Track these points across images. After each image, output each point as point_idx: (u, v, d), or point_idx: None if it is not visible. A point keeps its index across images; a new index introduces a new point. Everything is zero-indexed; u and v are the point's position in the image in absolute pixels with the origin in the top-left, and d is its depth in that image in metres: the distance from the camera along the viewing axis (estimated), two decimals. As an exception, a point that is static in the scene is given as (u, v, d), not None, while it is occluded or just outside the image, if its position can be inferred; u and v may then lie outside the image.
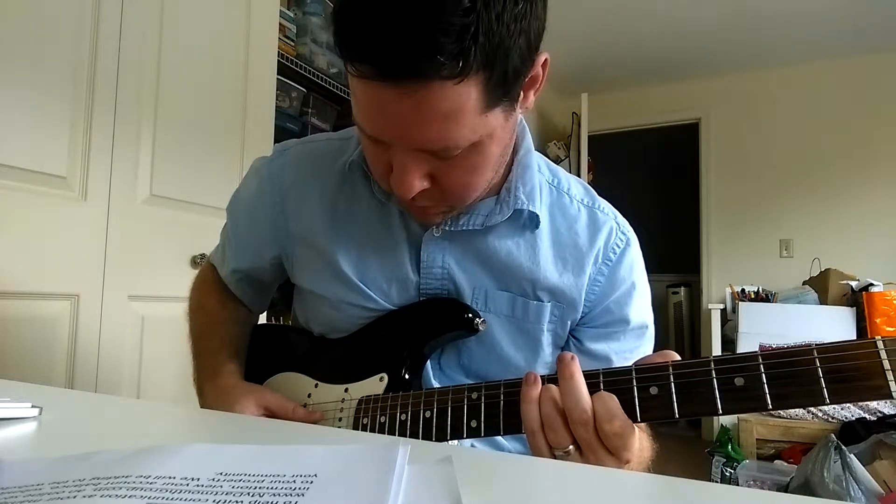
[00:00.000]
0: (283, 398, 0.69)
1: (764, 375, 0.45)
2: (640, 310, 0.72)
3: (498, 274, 0.68)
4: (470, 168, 0.55)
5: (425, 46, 0.44)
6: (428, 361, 0.69)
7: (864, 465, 2.01)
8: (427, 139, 0.50)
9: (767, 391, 0.45)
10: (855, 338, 2.80)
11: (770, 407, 0.45)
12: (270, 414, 0.68)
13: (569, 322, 0.70)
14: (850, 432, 2.39)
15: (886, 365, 0.41)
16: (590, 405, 0.48)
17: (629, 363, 0.54)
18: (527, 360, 0.69)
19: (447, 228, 0.66)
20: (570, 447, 0.49)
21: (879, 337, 0.43)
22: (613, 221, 0.72)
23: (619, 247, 0.71)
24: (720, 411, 0.46)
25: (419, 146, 0.51)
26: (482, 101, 0.49)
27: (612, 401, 0.48)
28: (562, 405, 0.49)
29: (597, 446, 0.49)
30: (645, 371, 0.50)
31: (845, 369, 0.43)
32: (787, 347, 0.46)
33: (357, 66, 0.47)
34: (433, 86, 0.46)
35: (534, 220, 0.67)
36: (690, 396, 0.48)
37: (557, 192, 0.72)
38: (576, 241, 0.69)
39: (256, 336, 0.84)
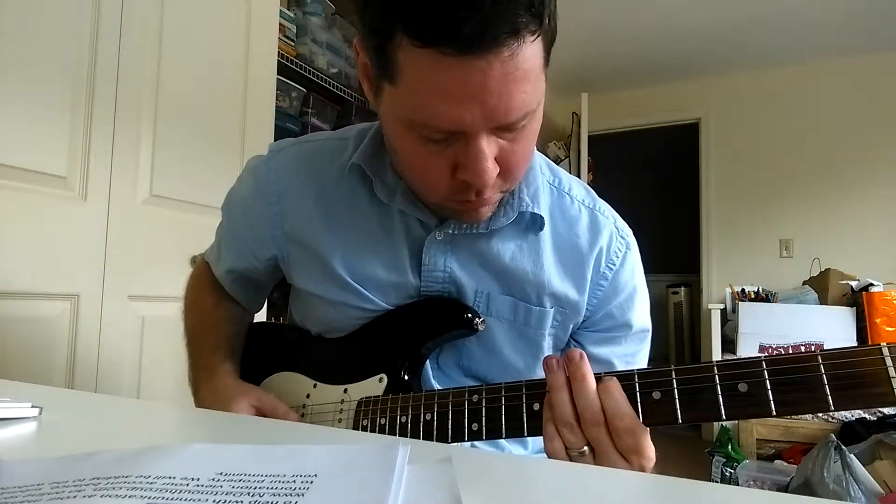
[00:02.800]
0: (277, 401, 0.68)
1: (768, 381, 0.45)
2: (642, 314, 0.72)
3: (501, 278, 0.67)
4: (529, 138, 0.55)
5: (515, 4, 0.45)
6: (427, 362, 0.69)
7: (864, 465, 2.01)
8: (512, 107, 0.49)
9: (772, 397, 0.45)
10: (855, 337, 2.78)
11: (774, 413, 0.44)
12: (261, 415, 0.67)
13: (570, 326, 0.70)
14: (850, 432, 2.39)
15: (892, 372, 0.41)
16: (599, 404, 0.49)
17: (630, 367, 0.54)
18: (527, 363, 0.69)
19: (450, 232, 0.66)
20: (585, 448, 0.49)
21: (885, 343, 0.42)
22: (613, 226, 0.71)
23: (620, 251, 0.70)
24: (724, 417, 0.46)
25: (501, 121, 0.50)
26: (544, 59, 0.50)
27: (621, 398, 0.49)
28: (576, 405, 0.50)
29: (608, 446, 0.49)
30: (648, 376, 0.50)
31: (850, 376, 0.42)
32: (791, 353, 0.45)
33: (446, 46, 0.45)
34: (522, 44, 0.46)
35: (537, 222, 0.67)
36: (694, 402, 0.47)
37: (558, 192, 0.71)
38: (576, 242, 0.69)
39: (254, 334, 0.83)
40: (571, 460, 0.50)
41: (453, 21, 0.44)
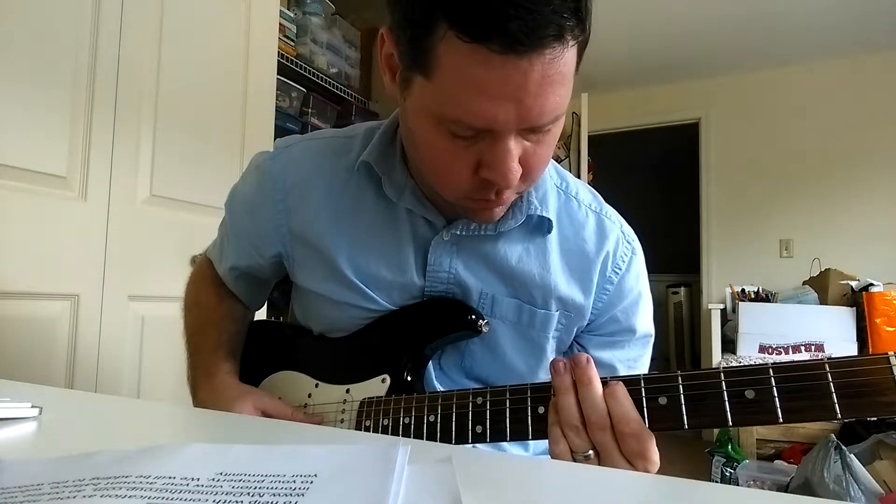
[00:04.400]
0: (281, 402, 0.68)
1: (775, 389, 0.45)
2: (645, 319, 0.72)
3: (507, 280, 0.67)
4: (552, 142, 0.55)
5: (563, 7, 0.45)
6: (430, 363, 0.68)
7: (864, 465, 2.01)
8: (546, 109, 0.49)
9: (779, 405, 0.44)
10: (855, 338, 2.78)
11: (781, 421, 0.44)
12: (267, 417, 0.67)
13: (574, 329, 0.70)
14: (850, 432, 2.39)
15: None
16: (605, 408, 0.49)
17: (633, 371, 0.54)
18: (529, 366, 0.69)
19: (457, 233, 0.65)
20: (590, 452, 0.49)
21: (892, 353, 0.42)
22: (619, 231, 0.71)
23: (626, 256, 0.70)
24: (730, 423, 0.46)
25: (533, 122, 0.50)
26: (577, 64, 0.51)
27: (627, 402, 0.49)
28: (582, 409, 0.50)
29: (613, 451, 0.49)
30: (654, 381, 0.50)
31: (857, 384, 0.42)
32: (797, 360, 0.45)
33: (492, 43, 0.45)
34: (564, 48, 0.47)
35: (545, 226, 0.67)
36: (700, 408, 0.47)
37: (566, 196, 0.71)
38: (583, 247, 0.69)
39: (255, 333, 0.83)
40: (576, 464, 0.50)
41: (502, 18, 0.44)
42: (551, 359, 0.69)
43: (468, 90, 0.48)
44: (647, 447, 0.49)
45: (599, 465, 0.49)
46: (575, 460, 0.50)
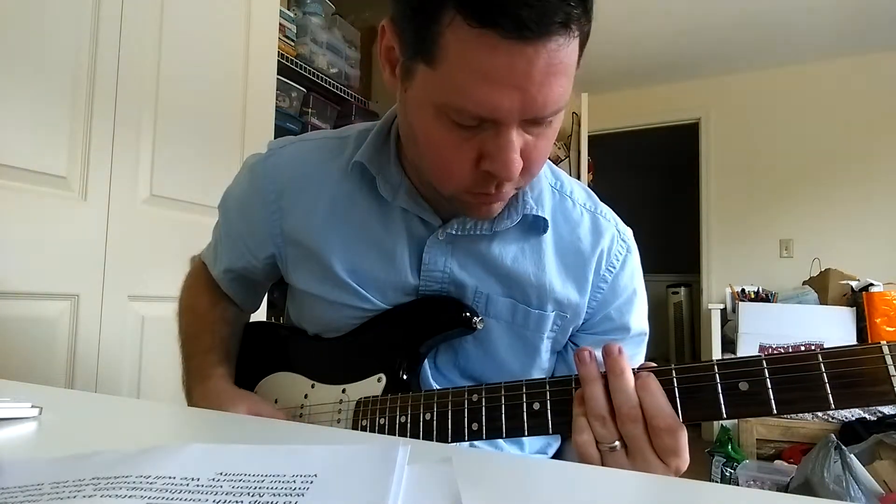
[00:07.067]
0: (274, 409, 0.68)
1: (769, 380, 0.45)
2: (640, 317, 0.72)
3: (502, 279, 0.67)
4: (551, 136, 0.55)
5: None
6: (425, 361, 0.68)
7: (864, 465, 2.01)
8: (550, 100, 0.49)
9: (772, 396, 0.45)
10: (855, 338, 2.79)
11: (775, 412, 0.44)
12: None
13: (570, 329, 0.70)
14: (850, 432, 2.39)
15: (892, 370, 0.41)
16: (637, 400, 0.48)
17: None
18: (523, 364, 0.69)
19: (452, 232, 0.65)
20: (617, 443, 0.49)
21: (885, 342, 0.42)
22: (614, 229, 0.71)
23: (620, 254, 0.70)
24: (724, 416, 0.46)
25: (536, 113, 0.50)
26: (578, 60, 0.51)
27: (661, 396, 0.48)
28: (612, 400, 0.49)
29: (644, 445, 0.48)
30: None
31: (850, 374, 0.42)
32: (791, 351, 0.45)
33: (500, 28, 0.45)
34: (569, 37, 0.47)
35: (541, 225, 0.67)
36: (694, 401, 0.47)
37: (560, 195, 0.71)
38: (578, 246, 0.69)
39: (252, 334, 0.83)
40: (601, 455, 0.49)
41: (511, 4, 0.44)
42: (545, 358, 0.69)
43: (473, 77, 0.48)
44: (682, 443, 0.48)
45: (627, 458, 0.49)
46: (599, 451, 0.49)
